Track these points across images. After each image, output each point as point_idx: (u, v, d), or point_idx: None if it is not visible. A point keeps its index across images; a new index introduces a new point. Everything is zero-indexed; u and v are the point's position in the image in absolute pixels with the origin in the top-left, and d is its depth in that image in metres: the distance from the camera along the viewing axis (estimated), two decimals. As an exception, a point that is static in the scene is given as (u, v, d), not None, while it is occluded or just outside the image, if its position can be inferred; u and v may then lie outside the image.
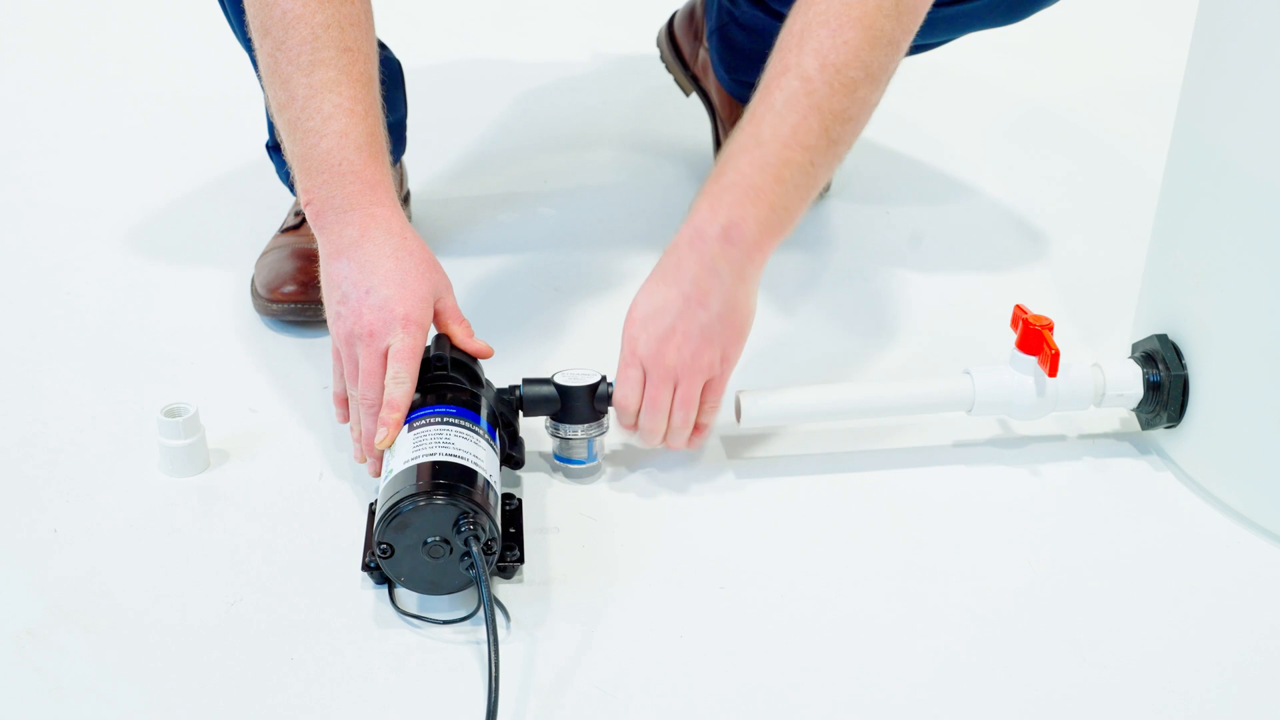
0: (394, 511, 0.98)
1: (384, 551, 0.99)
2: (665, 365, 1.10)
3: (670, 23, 1.73)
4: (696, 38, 1.68)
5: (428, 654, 1.00)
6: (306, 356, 1.33)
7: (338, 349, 1.10)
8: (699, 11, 1.67)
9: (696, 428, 1.14)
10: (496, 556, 1.01)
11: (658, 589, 1.06)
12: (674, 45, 1.71)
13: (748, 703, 0.97)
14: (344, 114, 1.08)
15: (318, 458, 1.19)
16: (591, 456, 1.17)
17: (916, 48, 1.46)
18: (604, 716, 0.95)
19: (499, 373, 1.17)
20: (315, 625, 1.02)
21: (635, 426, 1.14)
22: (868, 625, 1.04)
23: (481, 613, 1.00)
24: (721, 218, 1.07)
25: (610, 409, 1.16)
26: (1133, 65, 2.07)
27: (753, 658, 1.00)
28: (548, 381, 1.15)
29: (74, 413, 1.25)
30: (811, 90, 1.06)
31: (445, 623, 1.02)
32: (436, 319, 1.12)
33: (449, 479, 1.00)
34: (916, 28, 1.09)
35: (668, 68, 1.73)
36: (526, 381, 1.16)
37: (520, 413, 1.15)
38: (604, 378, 1.16)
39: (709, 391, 1.13)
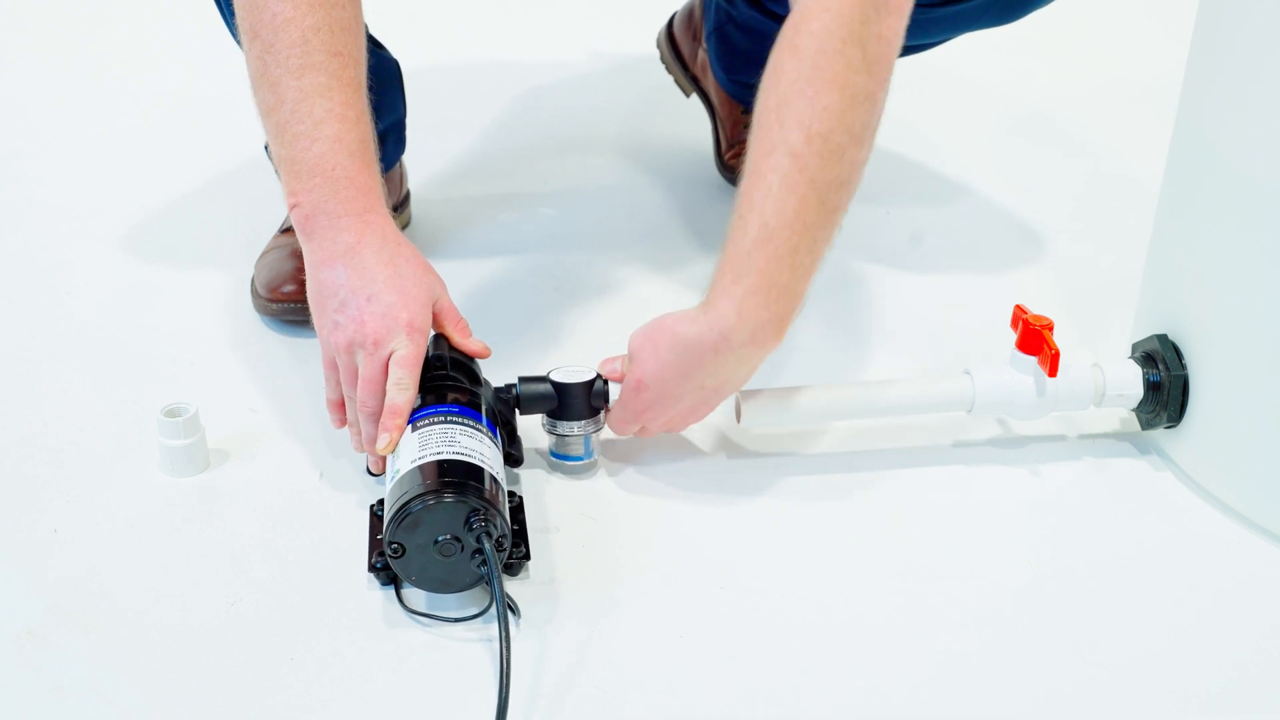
0: (404, 511, 0.98)
1: (395, 551, 0.99)
2: (664, 426, 1.15)
3: (670, 23, 1.73)
4: (695, 38, 1.68)
5: (429, 653, 1.00)
6: (307, 356, 1.33)
7: (331, 357, 1.10)
8: (697, 12, 1.67)
9: None
10: (506, 553, 1.01)
11: (658, 588, 1.06)
12: (673, 46, 1.72)
13: (748, 703, 0.97)
14: (336, 119, 1.08)
15: (318, 458, 1.19)
16: (588, 453, 1.17)
17: (911, 49, 1.46)
18: (604, 716, 0.95)
19: (499, 373, 1.17)
20: (316, 625, 1.02)
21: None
22: (868, 625, 1.04)
23: (489, 610, 1.01)
24: (749, 324, 1.06)
25: (606, 408, 1.17)
26: (1133, 65, 2.07)
27: (753, 657, 1.00)
28: (544, 379, 1.15)
29: (74, 413, 1.25)
30: (803, 166, 1.04)
31: (455, 620, 1.02)
32: (435, 320, 1.12)
33: (458, 477, 1.00)
34: (890, 76, 1.07)
35: (667, 68, 1.73)
36: (523, 379, 1.16)
37: (518, 411, 1.15)
38: (600, 375, 1.16)
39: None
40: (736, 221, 1.07)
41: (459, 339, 1.13)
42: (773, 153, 1.04)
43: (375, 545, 1.07)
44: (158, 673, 0.98)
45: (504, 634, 0.94)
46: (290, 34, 1.08)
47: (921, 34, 1.28)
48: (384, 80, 1.39)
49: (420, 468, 1.01)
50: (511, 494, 1.11)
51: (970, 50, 1.59)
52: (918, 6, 1.08)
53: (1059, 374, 1.16)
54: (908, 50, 1.19)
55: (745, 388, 1.17)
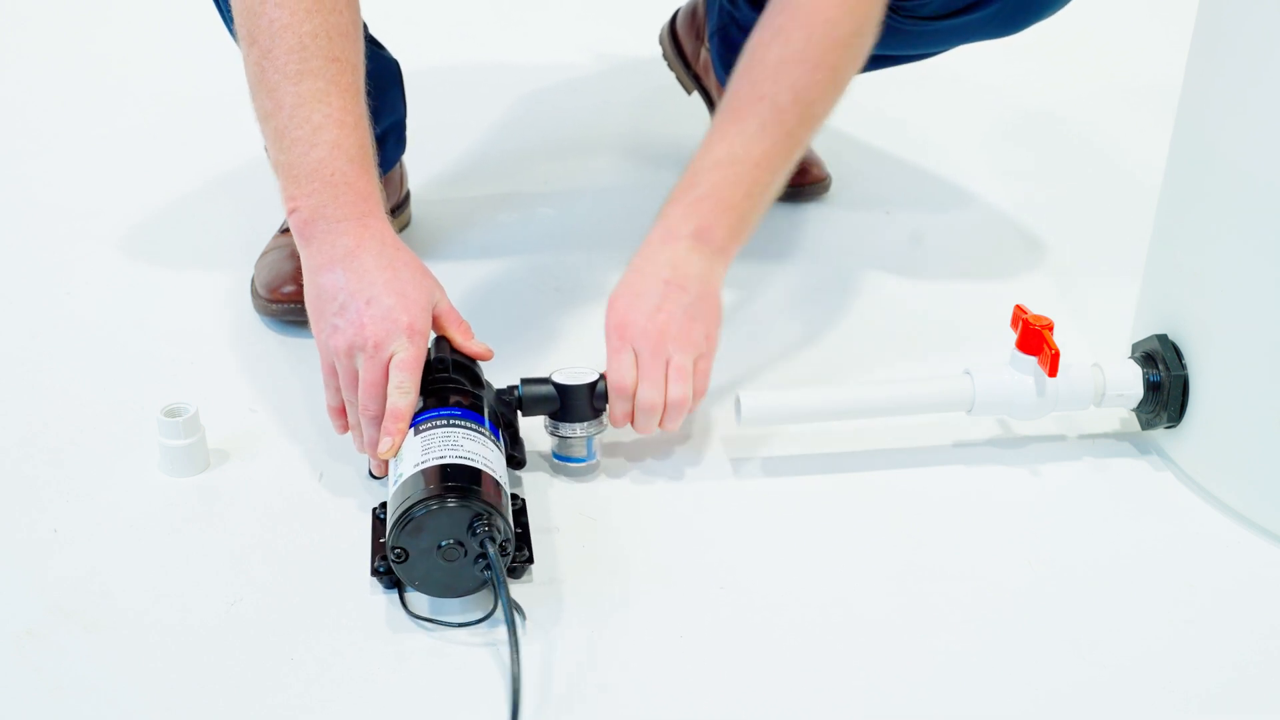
0: (408, 516, 0.98)
1: (398, 556, 0.99)
2: (656, 338, 1.13)
3: (672, 22, 1.73)
4: (698, 37, 1.68)
5: (429, 654, 1.00)
6: (306, 356, 1.32)
7: (331, 362, 1.10)
8: (700, 11, 1.67)
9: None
10: (510, 557, 1.01)
11: (658, 589, 1.06)
12: (676, 44, 1.72)
13: (748, 703, 0.97)
14: (335, 125, 1.09)
15: (318, 458, 1.19)
16: (590, 455, 1.17)
17: (915, 58, 1.47)
18: (605, 715, 0.95)
19: (499, 373, 1.17)
20: (316, 625, 1.02)
21: (629, 417, 1.14)
22: (868, 625, 1.04)
23: (496, 614, 1.01)
24: (694, 223, 1.15)
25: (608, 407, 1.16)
26: (1133, 66, 2.07)
27: (753, 657, 1.00)
28: (546, 381, 1.15)
29: (74, 413, 1.25)
30: (783, 121, 1.16)
31: (459, 625, 1.02)
32: (435, 323, 1.12)
33: (461, 481, 1.00)
34: (858, 70, 1.21)
35: (670, 66, 1.74)
36: (525, 381, 1.16)
37: (519, 412, 1.15)
38: (602, 376, 1.16)
39: (698, 368, 1.15)
40: (702, 148, 1.18)
41: (461, 341, 1.13)
42: (760, 101, 1.16)
43: (377, 549, 1.06)
44: (158, 673, 0.98)
45: (513, 640, 0.94)
46: (288, 40, 1.08)
47: (924, 44, 1.29)
48: (384, 81, 1.39)
49: (423, 472, 1.01)
50: (514, 496, 1.11)
51: (970, 52, 1.58)
52: (920, 19, 1.11)
53: (1059, 374, 1.16)
54: (910, 59, 1.21)
55: (744, 389, 1.17)
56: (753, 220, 1.18)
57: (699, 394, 1.15)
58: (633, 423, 1.14)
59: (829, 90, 1.18)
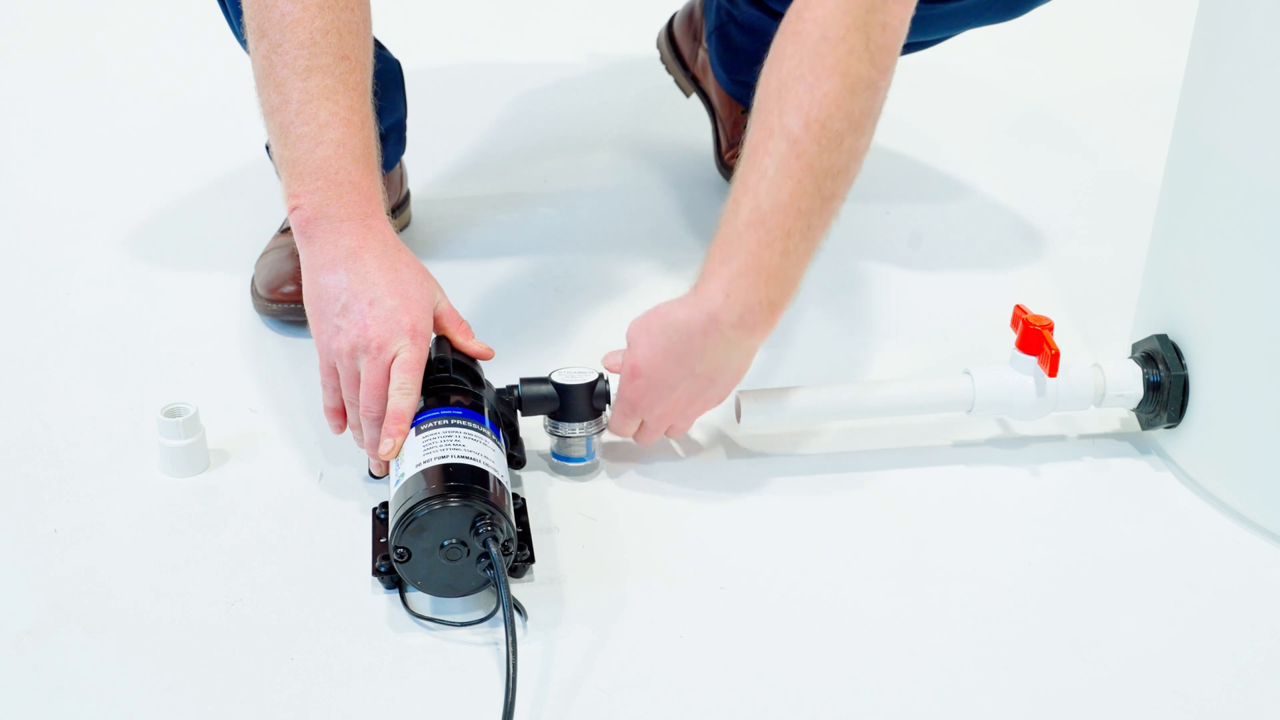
0: (410, 516, 0.98)
1: (401, 556, 0.99)
2: (665, 419, 1.14)
3: (670, 24, 1.73)
4: (696, 39, 1.68)
5: (430, 654, 1.00)
6: (306, 356, 1.32)
7: (331, 363, 1.09)
8: (698, 12, 1.67)
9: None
10: (512, 557, 1.01)
11: (658, 589, 1.06)
12: (674, 46, 1.71)
13: (748, 703, 0.97)
14: (340, 123, 1.08)
15: (318, 458, 1.19)
16: (590, 454, 1.17)
17: (912, 46, 1.46)
18: (605, 716, 0.95)
19: (499, 374, 1.17)
20: (316, 625, 1.02)
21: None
22: (867, 625, 1.04)
23: (497, 614, 1.01)
24: (737, 306, 1.06)
25: (607, 408, 1.17)
26: (1133, 65, 2.07)
27: (753, 658, 1.00)
28: (546, 380, 1.15)
29: (74, 413, 1.25)
30: (801, 151, 1.04)
31: (460, 625, 1.02)
32: (436, 323, 1.12)
33: (463, 481, 1.00)
34: (893, 64, 1.07)
35: (668, 69, 1.73)
36: (525, 381, 1.16)
37: (519, 412, 1.15)
38: (601, 375, 1.16)
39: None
40: (730, 205, 1.07)
41: (462, 340, 1.13)
42: (770, 138, 1.04)
43: (379, 548, 1.07)
44: (158, 673, 0.98)
45: (511, 639, 0.94)
46: (298, 35, 1.07)
47: (922, 31, 1.28)
48: (386, 81, 1.39)
49: (425, 472, 1.01)
50: (515, 496, 1.11)
51: (971, 49, 1.59)
52: (919, 3, 1.08)
53: (1059, 374, 1.16)
54: (908, 48, 1.19)
55: (744, 387, 1.17)
56: (795, 276, 1.08)
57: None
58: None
59: (845, 99, 1.03)
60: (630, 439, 1.18)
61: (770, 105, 1.05)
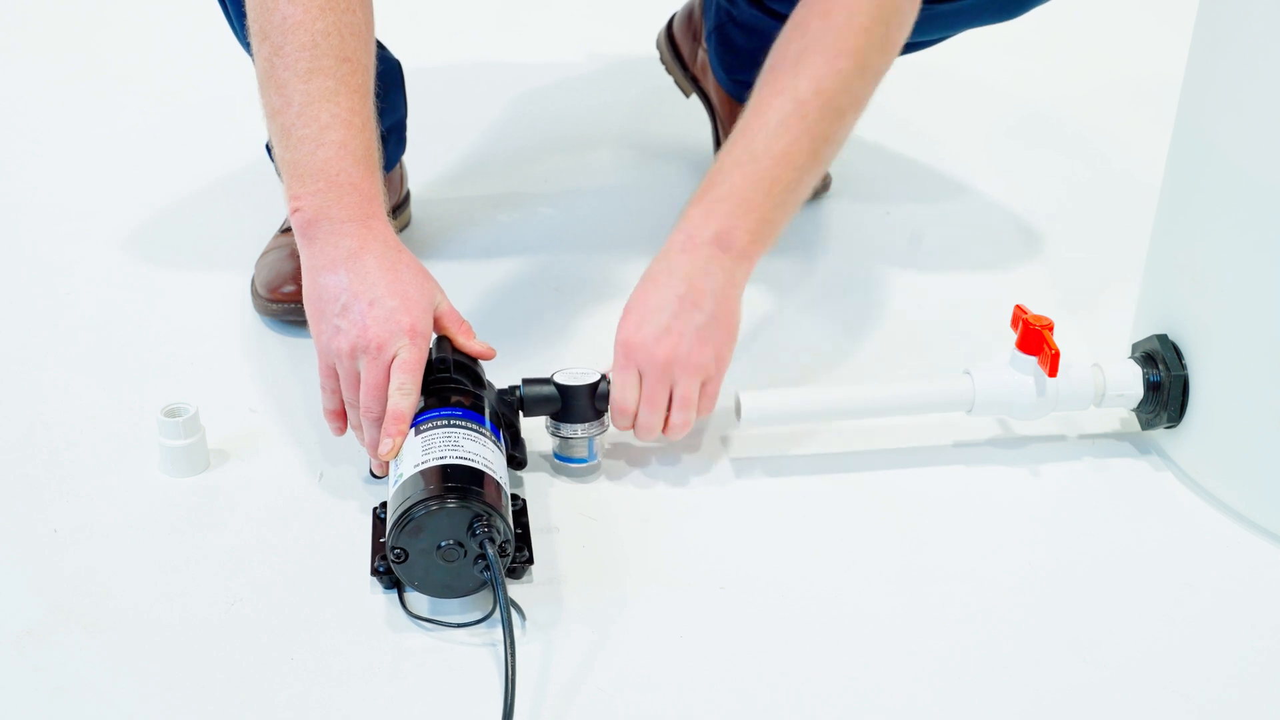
0: (407, 516, 0.98)
1: (398, 556, 0.99)
2: (661, 365, 1.11)
3: (669, 24, 1.73)
4: (695, 39, 1.68)
5: (430, 654, 1.00)
6: (306, 356, 1.32)
7: (330, 364, 1.09)
8: (697, 12, 1.67)
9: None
10: (510, 558, 1.01)
11: (658, 589, 1.06)
12: (673, 46, 1.72)
13: (748, 703, 0.97)
14: (342, 125, 1.08)
15: (318, 458, 1.19)
16: (591, 455, 1.17)
17: (912, 45, 1.46)
18: (605, 716, 0.95)
19: (500, 374, 1.17)
20: (315, 625, 1.02)
21: (632, 426, 1.14)
22: (868, 625, 1.04)
23: (492, 615, 1.01)
24: (714, 225, 1.12)
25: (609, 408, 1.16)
26: (1133, 65, 2.07)
27: (753, 658, 1.00)
28: (547, 381, 1.15)
29: (74, 413, 1.25)
30: (805, 114, 1.12)
31: (459, 625, 1.02)
32: (437, 324, 1.12)
33: (461, 482, 1.00)
34: (895, 58, 1.16)
35: (667, 69, 1.73)
36: (526, 382, 1.16)
37: (521, 413, 1.15)
38: (603, 376, 1.16)
39: (705, 391, 1.14)
40: (725, 148, 1.15)
41: (463, 340, 1.13)
42: (779, 95, 1.12)
43: (377, 548, 1.07)
44: (158, 673, 0.98)
45: (508, 640, 0.93)
46: (300, 37, 1.08)
47: (922, 31, 1.28)
48: (386, 81, 1.39)
49: (423, 472, 1.01)
50: (515, 497, 1.11)
51: (970, 49, 1.59)
52: (926, 0, 1.10)
53: (1059, 374, 1.16)
54: (908, 48, 1.20)
55: (744, 388, 1.17)
56: (777, 221, 1.14)
57: (704, 412, 1.15)
58: (634, 433, 1.15)
59: (854, 80, 1.13)
60: (631, 436, 1.18)
61: (785, 67, 1.13)
